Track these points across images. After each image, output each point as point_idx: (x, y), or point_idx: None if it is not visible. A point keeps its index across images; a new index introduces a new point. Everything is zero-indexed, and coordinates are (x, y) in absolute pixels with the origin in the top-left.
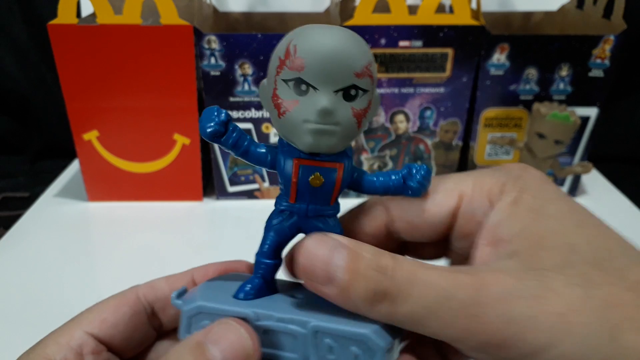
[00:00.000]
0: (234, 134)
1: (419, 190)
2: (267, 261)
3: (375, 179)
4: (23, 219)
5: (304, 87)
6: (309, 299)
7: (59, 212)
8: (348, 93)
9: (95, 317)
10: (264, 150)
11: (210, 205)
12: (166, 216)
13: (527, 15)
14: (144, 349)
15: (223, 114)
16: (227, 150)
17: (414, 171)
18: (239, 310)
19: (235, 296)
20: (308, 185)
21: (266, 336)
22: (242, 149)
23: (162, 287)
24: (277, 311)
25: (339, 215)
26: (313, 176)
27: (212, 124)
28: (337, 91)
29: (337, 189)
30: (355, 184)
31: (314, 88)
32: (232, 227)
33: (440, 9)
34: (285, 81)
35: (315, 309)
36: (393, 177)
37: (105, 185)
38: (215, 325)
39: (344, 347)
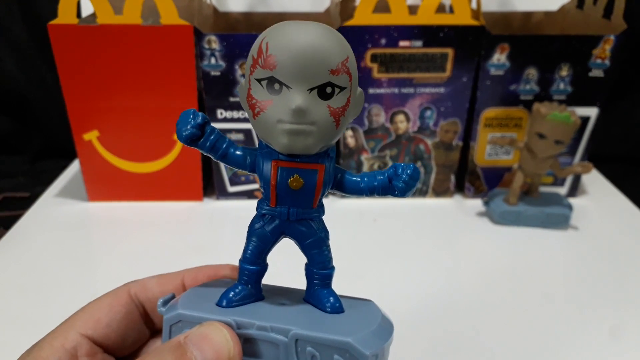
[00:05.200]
0: (212, 137)
1: (405, 190)
2: (251, 267)
3: (359, 179)
4: (23, 219)
5: (277, 86)
6: (295, 305)
7: (59, 212)
8: (323, 91)
9: (89, 317)
10: (242, 153)
11: (210, 205)
12: (166, 216)
13: (527, 15)
14: (138, 348)
15: (200, 117)
16: (205, 154)
17: (400, 170)
18: (219, 318)
19: (218, 304)
20: (288, 188)
21: (247, 345)
22: (221, 151)
23: (153, 289)
24: (258, 319)
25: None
26: (292, 178)
27: (188, 127)
28: (311, 89)
29: (318, 191)
30: (339, 185)
31: (287, 87)
32: (232, 227)
33: (440, 9)
34: (259, 80)
35: (298, 316)
36: (379, 177)
37: (105, 185)
38: (198, 326)
39: (326, 355)
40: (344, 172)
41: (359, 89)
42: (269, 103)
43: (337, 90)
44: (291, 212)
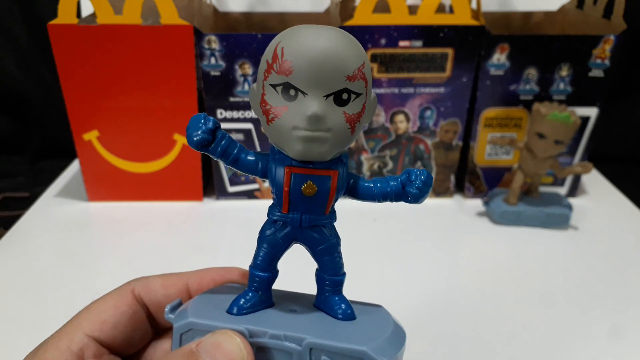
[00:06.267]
0: (223, 142)
1: (419, 196)
2: (261, 274)
3: (372, 185)
4: (23, 219)
5: (292, 92)
6: (306, 312)
7: (59, 212)
8: (340, 97)
9: (95, 318)
10: (254, 159)
11: (210, 205)
12: (166, 216)
13: (527, 15)
14: (143, 347)
15: (210, 122)
16: (216, 159)
17: (413, 177)
18: (231, 326)
19: (229, 311)
20: (301, 194)
21: (260, 353)
22: (232, 157)
23: (157, 291)
24: (270, 327)
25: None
26: (305, 185)
27: (199, 132)
28: (327, 96)
29: (331, 197)
30: (352, 191)
31: (303, 93)
32: (232, 227)
33: (440, 9)
34: (273, 86)
35: (311, 323)
36: (392, 183)
37: (105, 185)
38: (210, 334)
39: None
40: (357, 177)
41: (373, 94)
42: (284, 109)
43: (353, 96)
44: (304, 218)
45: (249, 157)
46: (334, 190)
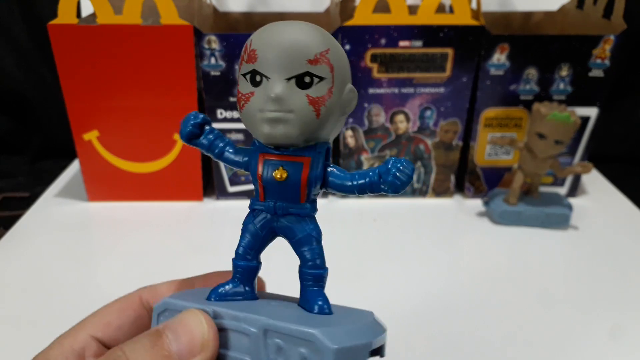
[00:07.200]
0: (210, 136)
1: (394, 184)
2: (241, 263)
3: (349, 177)
4: (23, 219)
5: (258, 77)
6: (281, 305)
7: (59, 212)
8: (302, 80)
9: (99, 320)
10: (238, 152)
11: (210, 205)
12: (166, 216)
13: (527, 15)
14: None
15: (200, 117)
16: (206, 153)
17: (390, 164)
18: (199, 306)
19: (207, 298)
20: (273, 180)
21: (223, 334)
22: (218, 150)
23: (164, 294)
24: (234, 310)
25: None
26: (277, 170)
27: (188, 125)
28: (289, 79)
29: (304, 184)
30: (328, 184)
31: (267, 77)
32: (232, 227)
33: (440, 9)
34: (244, 75)
35: (277, 311)
36: (369, 174)
37: (105, 185)
38: (178, 314)
39: (292, 348)
40: (335, 169)
41: (350, 86)
42: (252, 95)
43: (316, 80)
44: (277, 205)
45: (234, 151)
46: (305, 177)
